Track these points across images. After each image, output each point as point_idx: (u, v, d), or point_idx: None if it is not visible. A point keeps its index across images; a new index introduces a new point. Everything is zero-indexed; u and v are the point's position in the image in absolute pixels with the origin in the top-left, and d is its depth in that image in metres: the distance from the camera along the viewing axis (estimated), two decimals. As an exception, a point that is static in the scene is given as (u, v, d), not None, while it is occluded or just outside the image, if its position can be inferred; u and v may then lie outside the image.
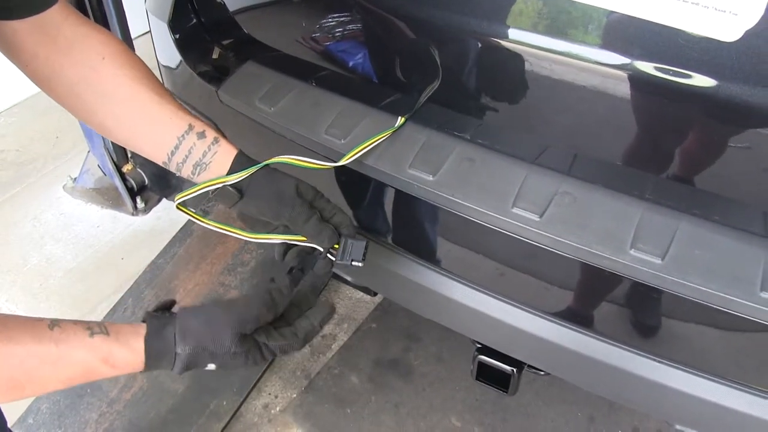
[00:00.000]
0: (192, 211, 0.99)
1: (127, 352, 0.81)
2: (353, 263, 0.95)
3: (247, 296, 0.87)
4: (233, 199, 0.94)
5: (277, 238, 0.96)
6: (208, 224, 0.98)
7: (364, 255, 0.95)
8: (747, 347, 0.96)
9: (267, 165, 0.96)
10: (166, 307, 0.89)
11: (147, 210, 2.56)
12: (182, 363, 0.83)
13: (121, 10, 2.03)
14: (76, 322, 0.80)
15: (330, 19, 1.19)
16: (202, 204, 0.97)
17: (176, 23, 1.39)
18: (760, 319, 0.86)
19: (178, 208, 0.99)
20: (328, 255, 0.95)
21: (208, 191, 0.95)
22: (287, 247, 0.96)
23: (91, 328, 0.80)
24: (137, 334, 0.82)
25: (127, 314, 2.07)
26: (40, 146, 2.91)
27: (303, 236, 0.95)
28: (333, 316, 0.94)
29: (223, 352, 0.84)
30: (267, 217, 0.94)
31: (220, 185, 0.93)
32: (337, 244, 0.95)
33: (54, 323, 0.79)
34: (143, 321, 0.85)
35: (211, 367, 0.85)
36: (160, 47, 1.49)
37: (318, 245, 0.94)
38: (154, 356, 0.82)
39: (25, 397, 0.78)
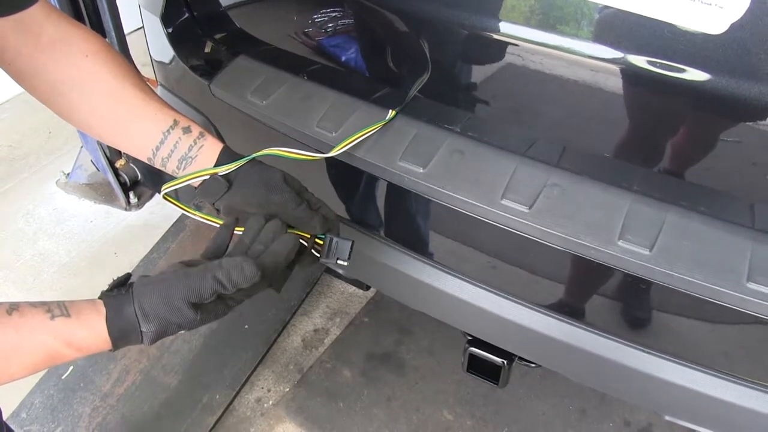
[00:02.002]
0: (178, 201, 0.98)
1: (89, 334, 0.78)
2: (338, 262, 0.94)
3: (206, 266, 0.81)
4: (221, 190, 0.93)
5: None
6: (195, 215, 0.97)
7: (350, 254, 0.94)
8: (734, 338, 0.97)
9: (254, 158, 0.96)
10: (122, 284, 0.83)
11: (140, 205, 2.56)
12: (150, 338, 0.81)
13: (114, 5, 2.03)
14: (35, 305, 0.77)
15: (321, 14, 1.20)
16: (194, 200, 0.96)
17: (169, 18, 1.39)
18: (746, 309, 0.87)
19: (164, 197, 0.98)
20: (313, 251, 0.94)
21: (191, 185, 0.95)
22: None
23: (51, 310, 0.77)
24: (98, 313, 0.79)
25: (120, 309, 2.06)
26: (32, 142, 2.91)
27: (292, 223, 0.93)
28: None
29: (188, 321, 0.81)
30: (254, 206, 0.92)
31: (208, 176, 0.93)
32: (322, 241, 0.94)
33: (13, 307, 0.76)
34: (100, 298, 0.81)
35: (182, 332, 0.83)
36: (153, 42, 1.49)
37: (309, 231, 0.93)
38: (120, 337, 0.79)
39: None
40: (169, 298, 0.80)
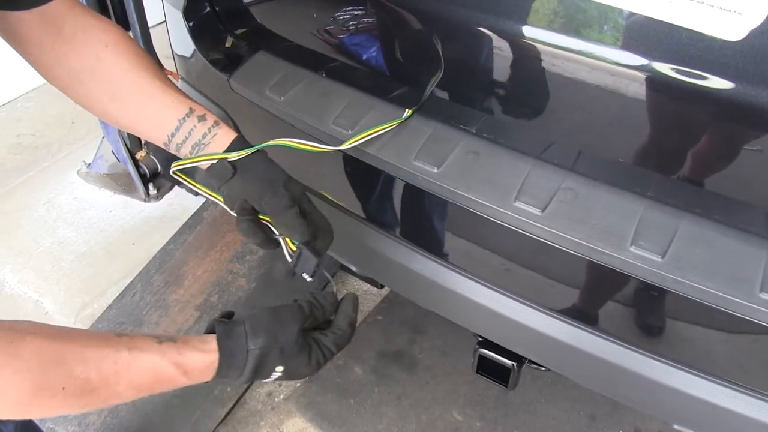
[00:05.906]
0: (185, 177, 1.02)
1: (197, 355, 0.84)
2: (303, 275, 0.96)
3: (295, 303, 0.93)
4: (226, 176, 0.95)
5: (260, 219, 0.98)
6: (200, 189, 1.01)
7: (314, 272, 0.96)
8: (745, 348, 0.96)
9: (265, 152, 0.98)
10: (228, 316, 0.92)
11: (159, 197, 2.58)
12: (253, 362, 0.87)
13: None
14: (142, 334, 0.84)
15: (341, 12, 1.20)
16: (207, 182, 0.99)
17: (190, 12, 1.40)
18: (759, 320, 0.86)
19: (173, 173, 1.01)
20: (288, 256, 0.97)
21: (200, 168, 0.97)
22: (252, 224, 0.96)
23: (159, 336, 0.83)
24: (206, 341, 0.86)
25: (135, 299, 2.09)
26: (55, 131, 2.95)
27: (275, 224, 0.96)
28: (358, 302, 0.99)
29: (290, 345, 0.88)
30: (250, 198, 0.95)
31: (216, 160, 0.95)
32: (295, 248, 0.96)
33: (121, 333, 0.82)
34: (208, 332, 0.89)
35: (278, 371, 0.89)
36: (175, 36, 1.51)
37: (287, 235, 0.96)
38: (227, 355, 0.86)
39: (95, 406, 0.79)
40: (277, 316, 0.90)
